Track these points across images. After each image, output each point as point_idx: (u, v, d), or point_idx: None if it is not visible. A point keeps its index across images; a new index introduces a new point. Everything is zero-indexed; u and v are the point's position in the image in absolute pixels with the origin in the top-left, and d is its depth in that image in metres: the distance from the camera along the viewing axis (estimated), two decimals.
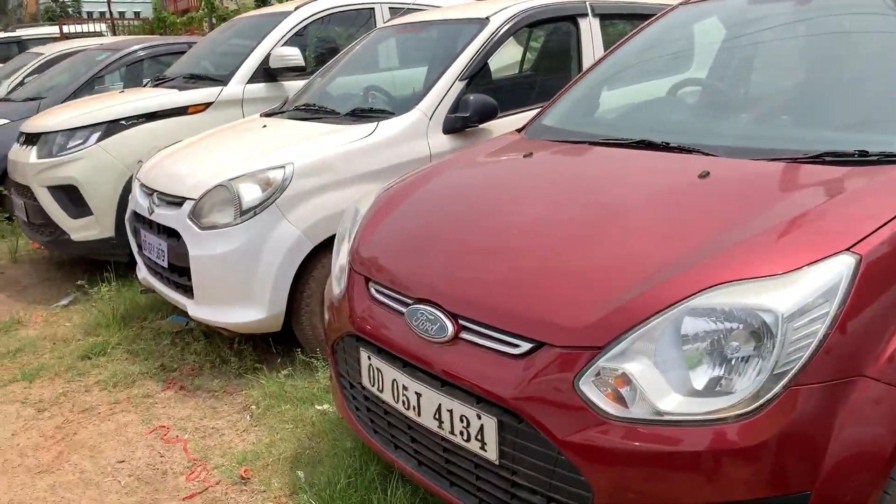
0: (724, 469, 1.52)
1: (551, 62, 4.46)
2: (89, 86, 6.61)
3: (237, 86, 5.04)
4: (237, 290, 3.30)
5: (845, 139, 2.11)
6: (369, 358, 2.16)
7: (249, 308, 3.29)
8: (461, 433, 1.85)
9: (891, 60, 2.32)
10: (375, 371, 2.14)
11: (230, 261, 3.26)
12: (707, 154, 2.20)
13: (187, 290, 3.45)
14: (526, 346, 1.73)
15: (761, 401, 1.49)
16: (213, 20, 17.75)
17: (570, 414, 1.64)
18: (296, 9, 5.39)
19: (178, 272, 3.48)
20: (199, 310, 3.40)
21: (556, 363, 1.67)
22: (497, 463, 1.79)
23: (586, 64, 4.15)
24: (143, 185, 3.84)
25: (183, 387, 3.42)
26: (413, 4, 5.69)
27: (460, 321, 1.88)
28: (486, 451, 1.80)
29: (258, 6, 22.92)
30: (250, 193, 3.27)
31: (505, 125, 3.76)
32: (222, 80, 5.07)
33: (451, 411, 1.88)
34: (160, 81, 5.51)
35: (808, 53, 2.69)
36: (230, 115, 4.91)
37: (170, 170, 3.75)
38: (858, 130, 2.19)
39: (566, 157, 2.56)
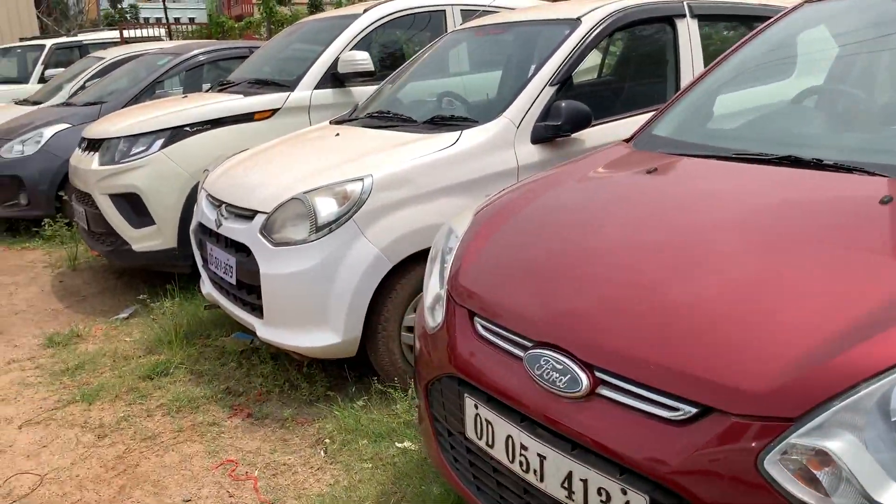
0: None
1: (646, 67, 4.12)
2: (150, 90, 6.51)
3: (304, 91, 4.80)
4: (310, 312, 3.04)
5: None
6: (476, 406, 1.87)
7: (323, 331, 3.04)
8: None
9: None
10: (484, 422, 1.84)
11: (304, 280, 3.00)
12: (873, 174, 1.87)
13: (256, 309, 3.21)
14: (689, 411, 1.42)
15: None
16: (272, 25, 17.71)
17: (749, 499, 1.32)
18: (364, 11, 5.14)
19: (247, 290, 3.25)
20: (268, 331, 3.16)
21: (732, 435, 1.35)
22: None
23: (684, 69, 3.81)
24: (209, 196, 3.62)
25: (250, 414, 3.18)
26: (488, 6, 5.39)
27: (597, 374, 1.58)
28: None
29: (311, 12, 22.94)
30: (327, 208, 3.02)
31: (596, 135, 3.47)
32: (289, 86, 4.83)
33: (584, 481, 1.57)
34: (224, 86, 5.32)
35: None
36: (297, 121, 4.68)
37: (239, 180, 3.52)
38: None
39: (699, 175, 2.21)
